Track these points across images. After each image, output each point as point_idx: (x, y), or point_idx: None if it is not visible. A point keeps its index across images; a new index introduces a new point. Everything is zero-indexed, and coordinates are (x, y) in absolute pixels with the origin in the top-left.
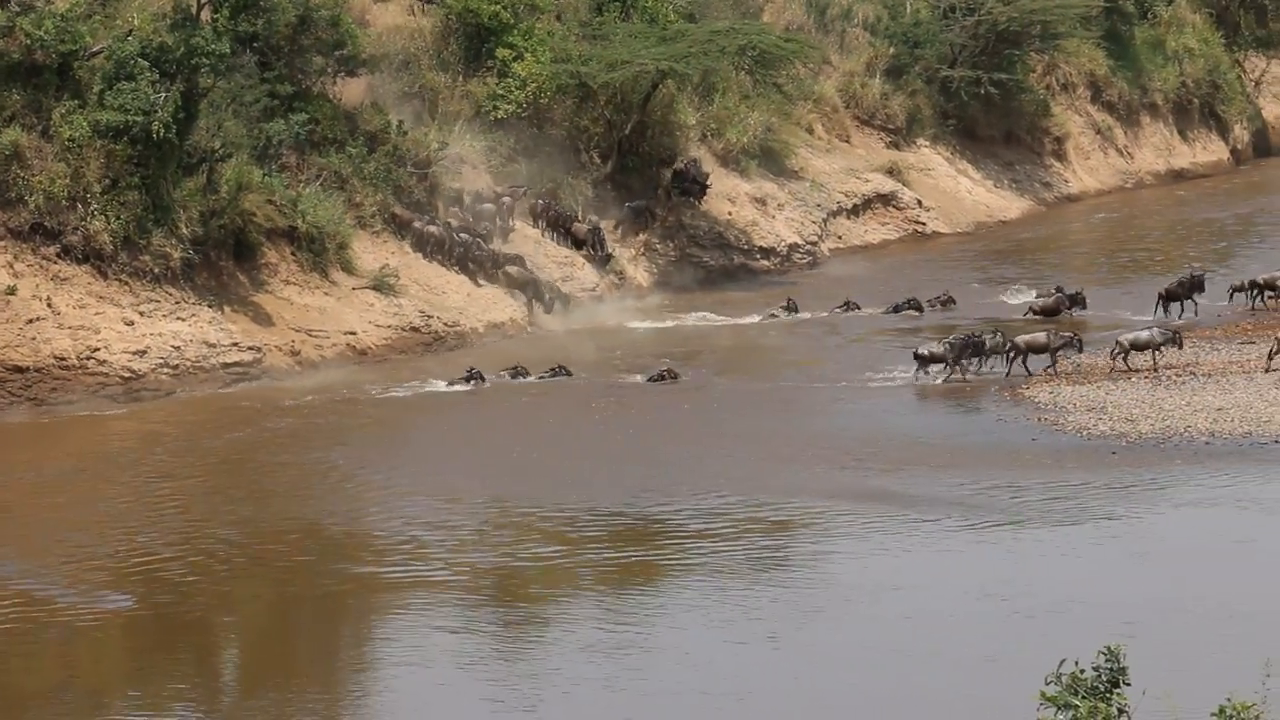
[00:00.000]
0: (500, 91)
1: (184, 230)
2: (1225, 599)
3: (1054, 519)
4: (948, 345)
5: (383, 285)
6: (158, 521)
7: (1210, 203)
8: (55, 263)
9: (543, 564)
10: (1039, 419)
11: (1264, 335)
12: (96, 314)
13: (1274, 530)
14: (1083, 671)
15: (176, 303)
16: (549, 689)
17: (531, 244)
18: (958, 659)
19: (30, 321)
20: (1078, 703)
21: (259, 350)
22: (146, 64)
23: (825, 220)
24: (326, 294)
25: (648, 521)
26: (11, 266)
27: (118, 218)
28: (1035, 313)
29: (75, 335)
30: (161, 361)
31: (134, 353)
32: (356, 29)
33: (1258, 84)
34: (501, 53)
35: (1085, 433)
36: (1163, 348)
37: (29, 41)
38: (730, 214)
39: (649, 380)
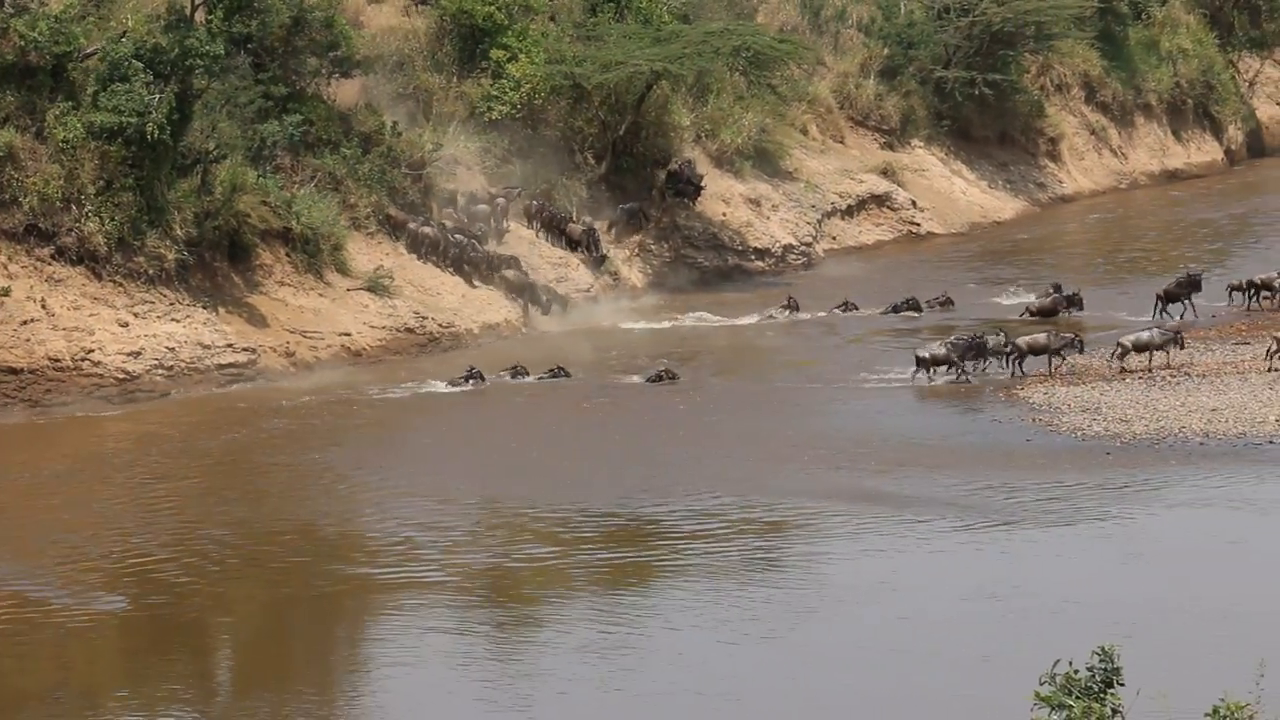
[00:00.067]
0: (495, 92)
1: (178, 231)
2: (1219, 599)
3: (1048, 519)
4: (950, 346)
5: (377, 286)
6: (152, 522)
7: (1205, 203)
8: (50, 264)
9: (537, 565)
10: (1034, 420)
11: (1258, 336)
12: (91, 315)
13: (1268, 531)
14: (1077, 672)
15: (171, 304)
16: (543, 690)
17: (526, 245)
18: (952, 659)
19: (25, 323)
20: (1072, 703)
21: (254, 351)
22: (141, 65)
23: (820, 221)
24: (321, 295)
25: (642, 522)
26: (6, 268)
27: (112, 219)
28: (1032, 313)
29: (70, 337)
30: (156, 363)
31: (128, 354)
32: (351, 30)
33: (1251, 84)
34: (496, 54)
35: (1080, 433)
36: (1165, 348)
37: (23, 43)
38: (725, 215)
39: (648, 381)
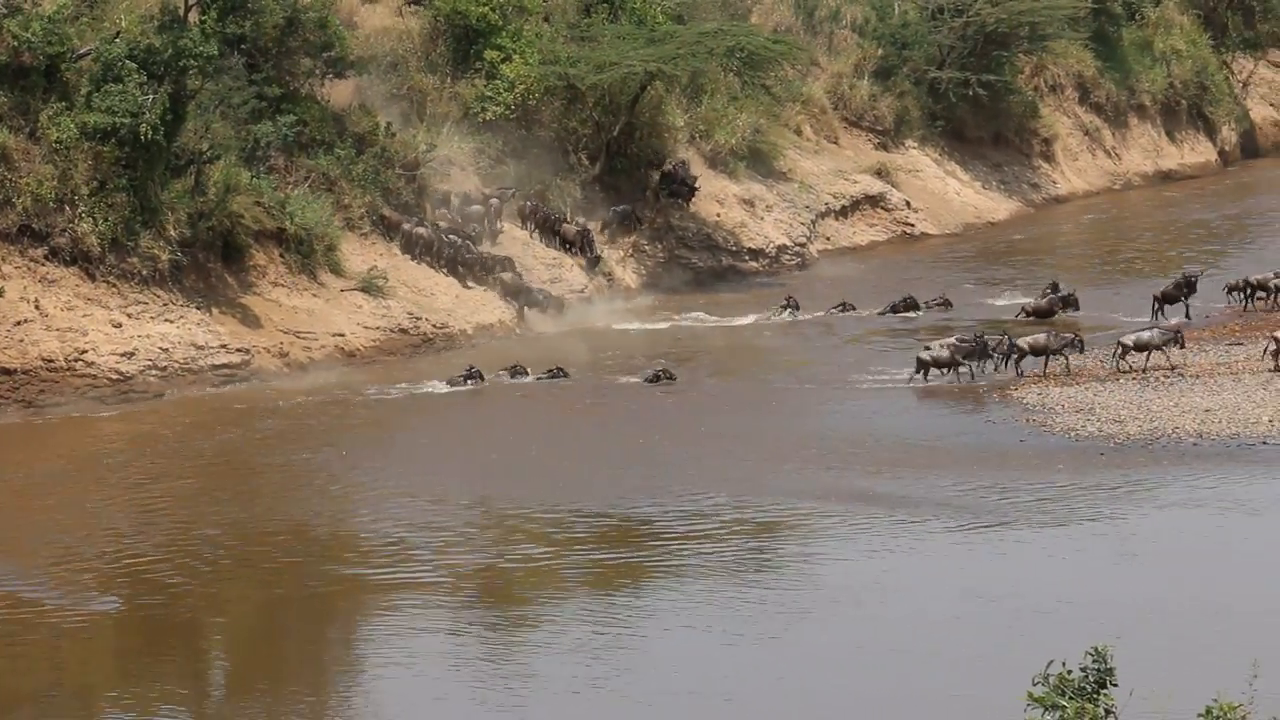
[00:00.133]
0: (488, 93)
1: (172, 232)
2: (1213, 600)
3: (1042, 520)
4: (951, 347)
5: (371, 287)
6: (146, 523)
7: (1199, 204)
8: (43, 265)
9: (531, 565)
10: (1027, 420)
11: (1252, 336)
12: (84, 316)
13: (1261, 531)
14: (1070, 672)
15: (164, 305)
16: (537, 690)
17: (520, 246)
18: (946, 659)
19: (18, 324)
20: (1065, 703)
21: (247, 352)
22: (134, 66)
23: (813, 221)
24: (315, 296)
25: (637, 522)
26: None
27: (105, 220)
28: (1029, 314)
29: (63, 337)
30: (150, 363)
31: (122, 355)
32: (344, 30)
33: (1245, 85)
34: (490, 54)
35: (1073, 434)
36: (1165, 348)
37: (16, 43)
38: (719, 215)
39: (645, 381)
